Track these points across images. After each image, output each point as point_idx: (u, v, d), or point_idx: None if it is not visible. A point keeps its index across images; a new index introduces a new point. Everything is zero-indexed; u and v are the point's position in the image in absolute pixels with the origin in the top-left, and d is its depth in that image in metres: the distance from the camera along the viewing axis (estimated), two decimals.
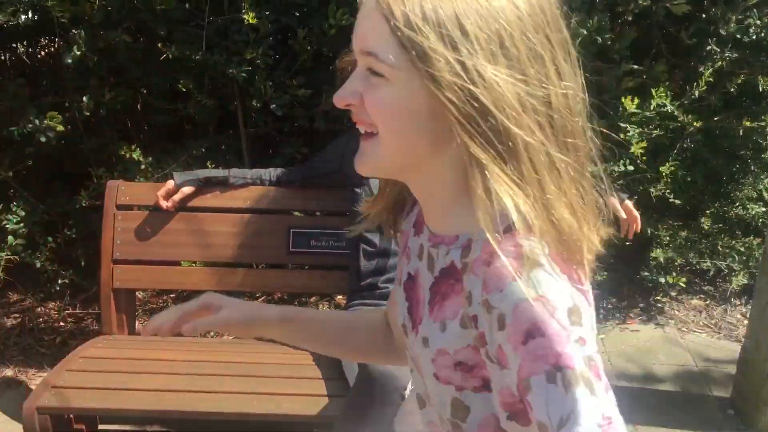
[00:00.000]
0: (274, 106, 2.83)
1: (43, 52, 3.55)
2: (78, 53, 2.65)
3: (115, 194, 2.36)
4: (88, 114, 2.82)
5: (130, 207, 2.38)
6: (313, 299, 3.44)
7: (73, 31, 2.70)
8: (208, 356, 2.17)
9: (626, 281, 3.51)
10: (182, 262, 2.66)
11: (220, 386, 2.00)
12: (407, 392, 1.76)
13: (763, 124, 2.92)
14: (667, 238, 3.15)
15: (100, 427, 2.37)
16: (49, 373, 2.09)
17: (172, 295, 3.48)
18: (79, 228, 3.15)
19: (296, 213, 2.68)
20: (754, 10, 2.72)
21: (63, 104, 2.98)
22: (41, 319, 3.25)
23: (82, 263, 3.13)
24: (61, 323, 3.23)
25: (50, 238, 2.98)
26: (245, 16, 2.62)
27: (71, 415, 2.15)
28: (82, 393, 1.98)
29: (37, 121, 2.69)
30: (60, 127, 2.71)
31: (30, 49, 3.51)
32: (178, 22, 2.78)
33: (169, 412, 1.94)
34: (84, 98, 2.79)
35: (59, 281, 3.08)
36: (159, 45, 2.75)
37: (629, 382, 2.85)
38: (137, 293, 3.35)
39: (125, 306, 2.41)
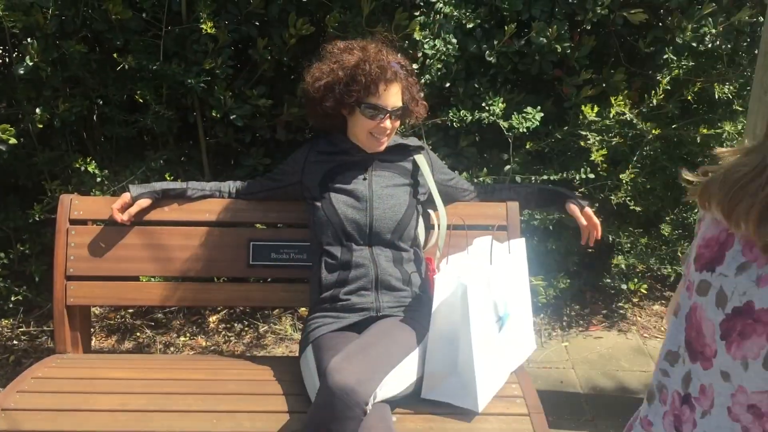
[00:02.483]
0: (234, 116, 2.79)
1: None
2: (30, 64, 2.58)
3: (68, 208, 2.29)
4: (41, 126, 2.75)
5: (83, 221, 2.31)
6: (276, 311, 3.40)
7: (26, 41, 2.63)
8: (166, 374, 2.12)
9: (589, 288, 3.54)
10: (140, 277, 2.60)
11: (177, 405, 1.94)
12: (369, 407, 1.73)
13: (719, 131, 2.97)
14: (628, 245, 3.18)
15: None
16: None
17: (130, 310, 3.40)
18: (33, 243, 3.07)
19: (256, 225, 2.64)
20: (710, 19, 2.77)
21: (16, 116, 2.90)
22: None
23: (37, 279, 3.05)
24: (15, 341, 3.13)
25: (3, 254, 2.89)
26: (203, 26, 2.58)
27: None
28: (34, 415, 1.91)
29: None
30: (12, 140, 2.64)
31: None
32: (135, 32, 2.72)
33: None
34: (37, 110, 2.72)
35: (12, 298, 2.99)
36: (115, 55, 2.70)
37: (593, 389, 2.86)
38: (94, 309, 3.27)
39: (80, 323, 2.34)
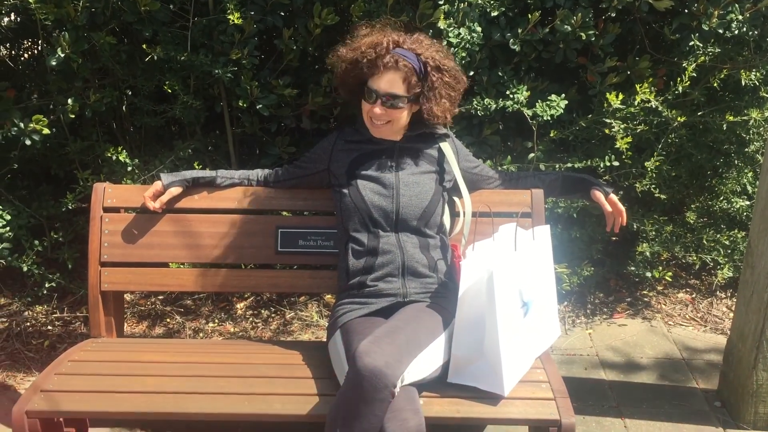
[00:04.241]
0: (260, 106, 2.83)
1: (26, 55, 3.53)
2: (62, 55, 2.63)
3: (101, 196, 2.35)
4: (73, 116, 2.81)
5: (116, 209, 2.37)
6: (302, 298, 3.45)
7: (57, 33, 2.68)
8: (199, 357, 2.17)
9: (613, 276, 3.54)
10: (170, 264, 2.65)
11: (210, 387, 1.99)
12: (397, 389, 1.76)
13: (746, 118, 2.95)
14: (653, 233, 3.17)
15: (90, 430, 2.36)
16: (38, 377, 2.07)
17: (160, 297, 3.47)
18: (66, 231, 3.14)
19: (284, 213, 2.68)
20: (736, 5, 2.75)
21: (48, 107, 2.96)
22: (29, 323, 3.23)
23: (70, 266, 3.12)
24: (49, 327, 3.22)
25: (37, 242, 2.96)
26: (230, 17, 2.62)
27: (61, 419, 2.14)
28: (72, 396, 1.97)
29: (21, 124, 2.68)
30: (45, 130, 2.70)
31: (13, 52, 3.49)
32: (163, 24, 2.77)
33: (160, 414, 1.93)
34: (69, 100, 2.78)
35: (46, 285, 3.06)
36: (144, 46, 2.75)
37: (617, 376, 2.88)
38: (125, 295, 3.34)
39: (113, 308, 2.40)
